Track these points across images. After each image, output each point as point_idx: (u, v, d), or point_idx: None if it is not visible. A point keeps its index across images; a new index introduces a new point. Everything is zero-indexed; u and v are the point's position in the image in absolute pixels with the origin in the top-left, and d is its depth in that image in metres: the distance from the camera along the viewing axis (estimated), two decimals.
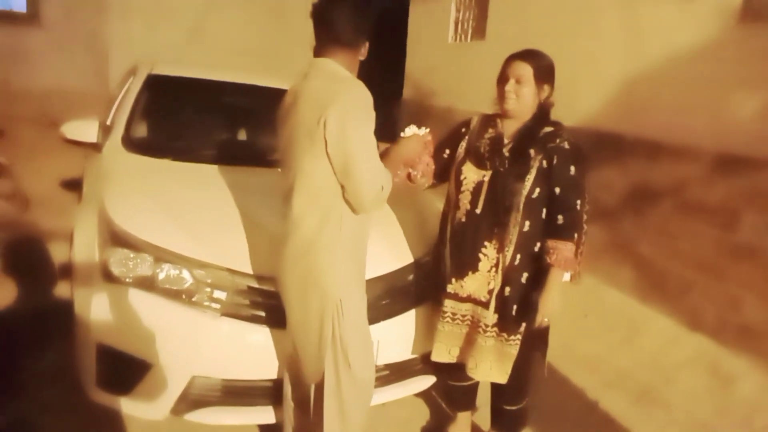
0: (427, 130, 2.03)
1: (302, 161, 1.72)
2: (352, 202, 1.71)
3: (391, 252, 2.39)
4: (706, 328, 3.36)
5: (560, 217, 1.95)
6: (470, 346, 2.13)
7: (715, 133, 3.34)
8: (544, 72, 2.01)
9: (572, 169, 1.95)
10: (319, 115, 1.64)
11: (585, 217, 2.05)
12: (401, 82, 7.90)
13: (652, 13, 3.80)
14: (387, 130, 7.69)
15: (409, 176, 2.08)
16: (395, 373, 2.37)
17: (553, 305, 1.97)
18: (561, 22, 4.63)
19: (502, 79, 2.03)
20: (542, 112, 2.05)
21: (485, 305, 2.06)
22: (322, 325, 1.76)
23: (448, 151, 2.20)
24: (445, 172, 2.18)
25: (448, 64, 6.81)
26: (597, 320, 3.72)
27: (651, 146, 3.77)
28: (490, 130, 2.11)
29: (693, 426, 2.79)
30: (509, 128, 2.07)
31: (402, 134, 2.01)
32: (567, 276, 1.98)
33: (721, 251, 3.31)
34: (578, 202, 1.95)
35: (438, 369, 2.42)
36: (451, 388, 2.40)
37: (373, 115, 1.72)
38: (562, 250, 1.93)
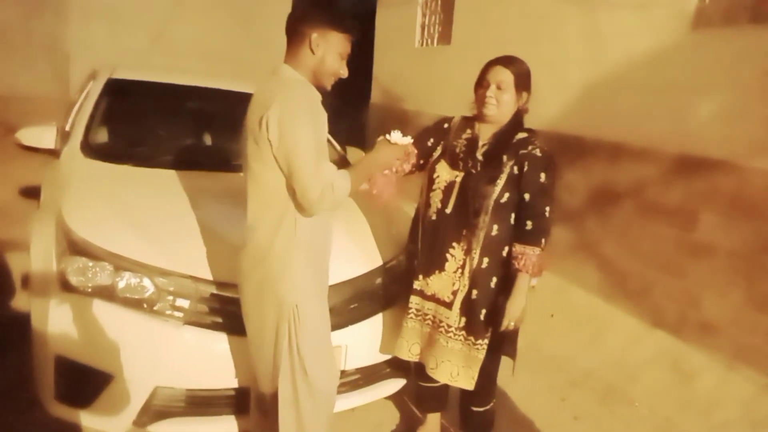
0: (411, 140, 1.98)
1: (252, 166, 1.71)
2: (300, 204, 1.66)
3: (358, 255, 2.39)
4: (668, 325, 3.45)
5: (529, 223, 1.97)
6: (431, 346, 2.14)
7: (673, 136, 3.43)
8: (524, 79, 2.04)
9: (542, 176, 1.97)
10: (261, 116, 1.63)
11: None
12: (369, 87, 7.92)
13: (611, 20, 3.89)
14: (356, 135, 7.69)
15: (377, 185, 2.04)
16: (365, 377, 2.37)
17: (520, 310, 1.99)
18: (524, 27, 4.71)
19: (483, 84, 2.04)
20: (517, 118, 2.08)
21: (448, 306, 2.07)
22: (277, 332, 1.73)
23: (432, 140, 2.19)
24: (426, 160, 2.18)
25: (415, 69, 6.85)
26: (563, 320, 3.78)
27: (612, 149, 3.86)
28: (468, 132, 2.13)
29: (656, 422, 2.86)
30: (485, 132, 2.09)
31: (386, 137, 1.95)
32: (534, 281, 2.00)
33: (680, 250, 3.40)
34: (547, 208, 1.97)
35: (408, 371, 2.43)
36: (421, 389, 2.41)
37: (317, 113, 1.67)
38: (530, 255, 1.95)
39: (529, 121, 2.14)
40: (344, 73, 1.81)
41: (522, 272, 1.97)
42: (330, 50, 1.73)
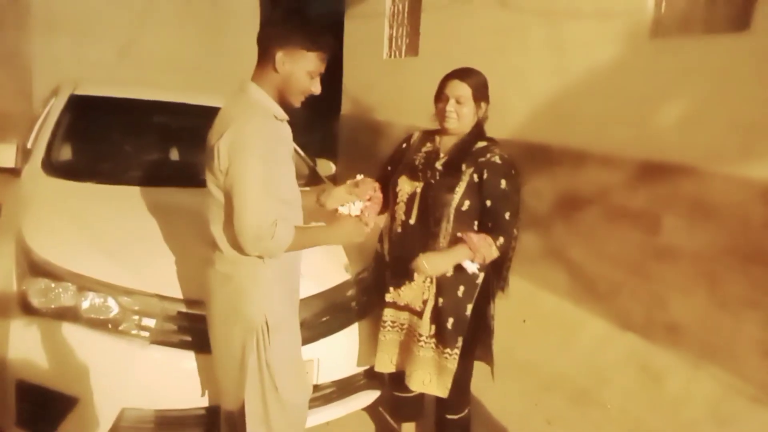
0: (362, 204, 1.91)
1: (212, 190, 1.68)
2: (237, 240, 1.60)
3: (328, 269, 2.38)
4: (636, 328, 3.52)
5: (489, 224, 1.99)
6: (407, 354, 2.15)
7: (635, 142, 3.52)
8: (482, 90, 2.07)
9: (503, 182, 1.99)
10: (214, 142, 1.60)
11: (516, 232, 2.10)
12: (339, 98, 7.93)
13: (574, 30, 3.98)
14: (326, 146, 7.67)
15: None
16: (339, 389, 2.35)
17: (434, 267, 1.92)
18: (489, 39, 4.78)
19: (442, 99, 2.06)
20: (478, 128, 2.11)
21: (419, 315, 2.09)
22: (244, 348, 1.71)
23: (389, 168, 2.23)
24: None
25: (383, 80, 6.90)
26: (534, 325, 3.82)
27: (577, 156, 3.93)
28: (428, 145, 2.17)
29: (627, 423, 2.91)
30: (446, 143, 2.12)
31: (338, 210, 1.91)
32: (473, 267, 1.95)
33: (645, 253, 3.48)
34: (507, 213, 2.00)
35: (383, 381, 2.42)
36: (396, 399, 2.41)
37: (273, 146, 1.62)
38: (478, 236, 1.94)
39: (496, 130, 2.18)
40: (316, 90, 1.74)
41: (462, 244, 1.93)
42: (297, 68, 1.66)
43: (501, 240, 1.97)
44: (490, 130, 2.16)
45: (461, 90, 2.03)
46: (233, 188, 1.57)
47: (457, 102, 2.03)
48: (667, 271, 3.36)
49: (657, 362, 3.28)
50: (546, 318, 3.92)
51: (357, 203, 1.91)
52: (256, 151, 1.57)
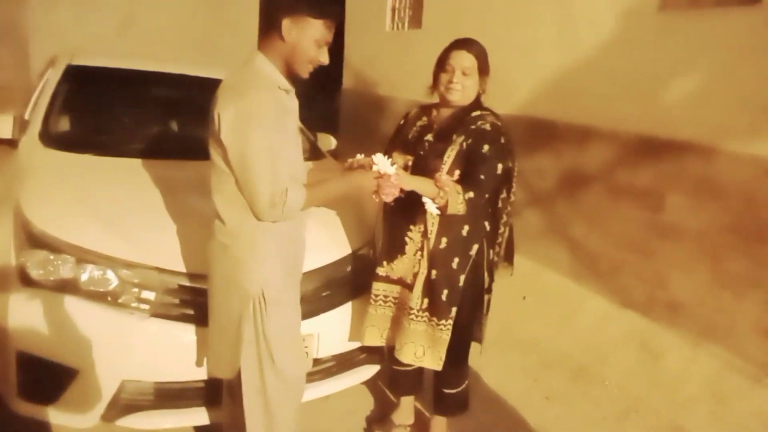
0: (394, 167, 1.81)
1: (214, 159, 1.67)
2: (251, 209, 1.63)
3: (329, 244, 2.37)
4: (637, 305, 3.51)
5: (464, 180, 1.95)
6: (397, 328, 2.16)
7: (640, 118, 3.47)
8: (485, 62, 2.03)
9: (485, 147, 1.95)
10: (218, 111, 1.59)
11: (509, 209, 2.09)
12: (341, 72, 7.84)
13: (581, 4, 3.90)
14: (328, 121, 7.60)
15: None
16: (339, 364, 2.37)
17: (402, 177, 1.84)
18: (495, 12, 4.69)
19: (446, 69, 2.02)
20: (477, 101, 2.08)
21: (410, 288, 2.10)
22: (241, 319, 1.72)
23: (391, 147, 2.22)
24: None
25: (386, 53, 6.80)
26: (535, 302, 3.83)
27: (582, 132, 3.89)
28: (423, 119, 2.16)
29: (627, 401, 2.92)
30: (441, 116, 2.09)
31: (372, 161, 1.82)
32: (433, 207, 1.90)
33: (648, 231, 3.46)
34: (483, 175, 1.94)
35: (382, 356, 2.43)
36: (395, 373, 2.42)
37: (276, 116, 1.61)
38: (448, 179, 1.90)
39: (501, 105, 2.14)
40: (324, 60, 1.71)
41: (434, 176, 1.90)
42: (304, 37, 1.63)
43: (471, 194, 1.91)
44: (495, 104, 2.13)
45: (467, 61, 1.99)
46: (242, 159, 1.58)
47: (463, 74, 1.99)
48: (669, 249, 3.34)
49: (657, 340, 3.29)
50: (546, 295, 3.92)
51: (393, 166, 1.83)
52: (262, 120, 1.57)
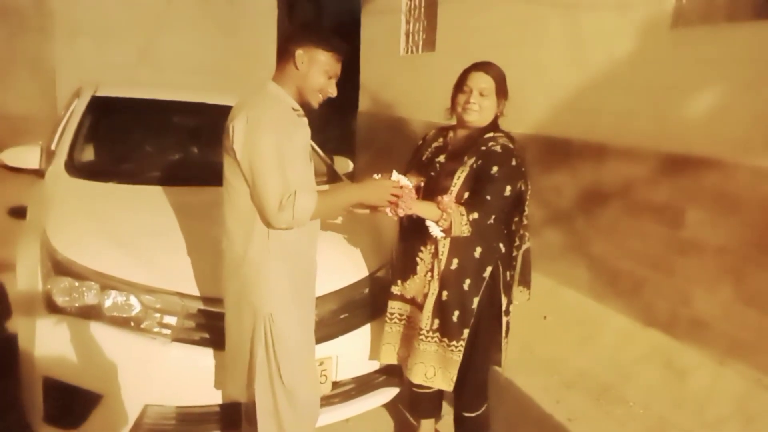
0: (412, 183, 1.89)
1: (226, 175, 1.75)
2: (262, 216, 1.69)
3: (346, 266, 2.39)
4: (659, 323, 3.46)
5: (469, 200, 1.96)
6: (408, 348, 2.17)
7: (657, 135, 3.45)
8: (503, 84, 2.06)
9: (494, 168, 1.96)
10: (231, 124, 1.68)
11: (526, 234, 2.10)
12: (357, 96, 7.93)
13: (593, 22, 3.92)
14: (345, 144, 7.66)
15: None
16: (358, 387, 2.36)
17: (409, 203, 1.86)
18: (507, 32, 4.73)
19: (464, 90, 2.04)
20: (493, 123, 2.09)
21: (422, 308, 2.09)
22: (252, 340, 1.75)
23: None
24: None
25: (401, 76, 6.88)
26: (556, 321, 3.78)
27: (598, 150, 3.88)
28: (440, 140, 2.19)
29: (651, 420, 2.86)
30: (457, 138, 2.12)
31: (391, 176, 1.88)
32: (437, 230, 1.92)
33: (669, 248, 3.42)
34: (489, 195, 1.94)
35: (401, 378, 2.42)
36: (415, 395, 2.40)
37: (286, 124, 1.71)
38: (450, 201, 1.91)
39: (515, 125, 2.16)
40: (332, 92, 1.84)
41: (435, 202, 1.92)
42: (315, 67, 1.76)
43: (475, 215, 1.91)
44: (509, 125, 2.15)
45: (485, 82, 2.01)
46: (252, 163, 1.64)
47: (481, 94, 2.01)
48: (691, 265, 3.29)
49: (681, 359, 3.22)
50: (567, 314, 3.87)
51: (412, 180, 1.91)
52: (271, 126, 1.66)
